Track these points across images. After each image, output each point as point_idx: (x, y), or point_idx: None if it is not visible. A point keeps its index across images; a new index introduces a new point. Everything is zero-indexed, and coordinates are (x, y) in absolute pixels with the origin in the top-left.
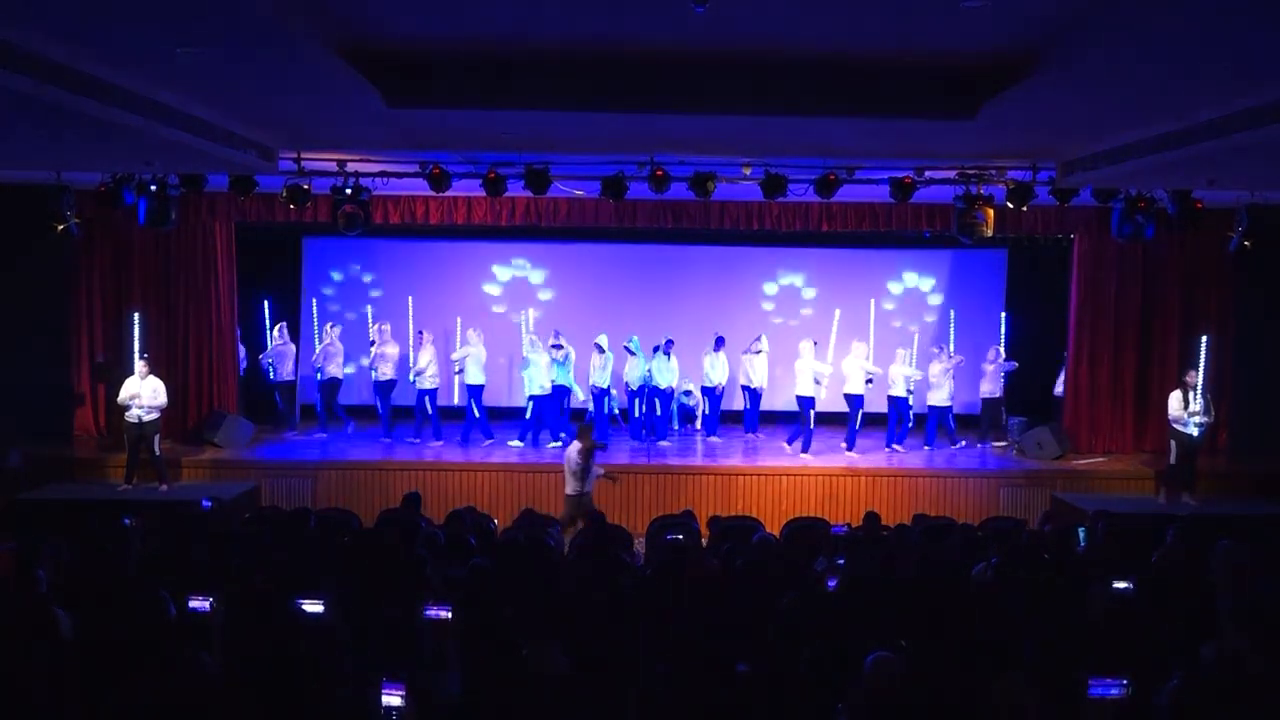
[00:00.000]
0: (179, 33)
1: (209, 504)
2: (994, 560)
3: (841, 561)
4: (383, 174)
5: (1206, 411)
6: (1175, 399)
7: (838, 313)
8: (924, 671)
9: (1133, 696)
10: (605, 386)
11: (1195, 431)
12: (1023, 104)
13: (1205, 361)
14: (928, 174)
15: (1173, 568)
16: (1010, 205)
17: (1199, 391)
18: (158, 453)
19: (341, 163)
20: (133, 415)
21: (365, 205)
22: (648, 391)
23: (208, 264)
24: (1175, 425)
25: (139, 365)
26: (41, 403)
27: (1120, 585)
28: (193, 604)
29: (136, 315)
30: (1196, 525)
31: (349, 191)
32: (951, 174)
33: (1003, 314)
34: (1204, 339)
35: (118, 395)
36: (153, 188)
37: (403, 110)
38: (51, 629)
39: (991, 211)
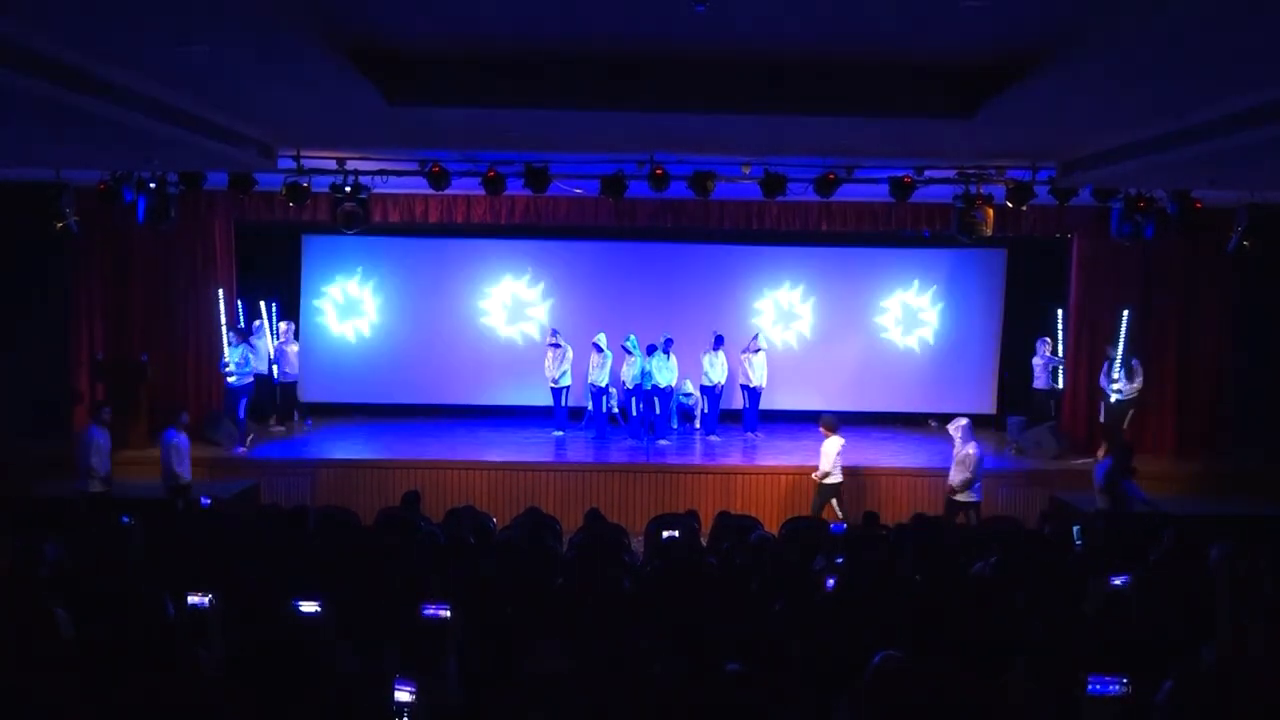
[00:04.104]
0: (179, 30)
1: (208, 502)
2: (994, 559)
3: (840, 561)
4: (382, 172)
5: (1128, 379)
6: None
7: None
8: (927, 671)
9: (1132, 694)
10: (604, 385)
11: (1114, 398)
12: (1023, 104)
13: (1125, 333)
14: (927, 174)
15: (1170, 567)
16: (1010, 205)
17: (1118, 362)
18: (240, 415)
19: (341, 161)
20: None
21: (365, 203)
22: (645, 390)
23: (207, 262)
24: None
25: (229, 335)
26: (41, 402)
27: (1118, 583)
28: (191, 601)
29: (220, 291)
30: (1194, 524)
31: (348, 189)
32: (951, 174)
33: (1059, 310)
34: (1124, 312)
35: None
36: (152, 185)
37: (404, 108)
38: (51, 629)
39: (991, 211)
